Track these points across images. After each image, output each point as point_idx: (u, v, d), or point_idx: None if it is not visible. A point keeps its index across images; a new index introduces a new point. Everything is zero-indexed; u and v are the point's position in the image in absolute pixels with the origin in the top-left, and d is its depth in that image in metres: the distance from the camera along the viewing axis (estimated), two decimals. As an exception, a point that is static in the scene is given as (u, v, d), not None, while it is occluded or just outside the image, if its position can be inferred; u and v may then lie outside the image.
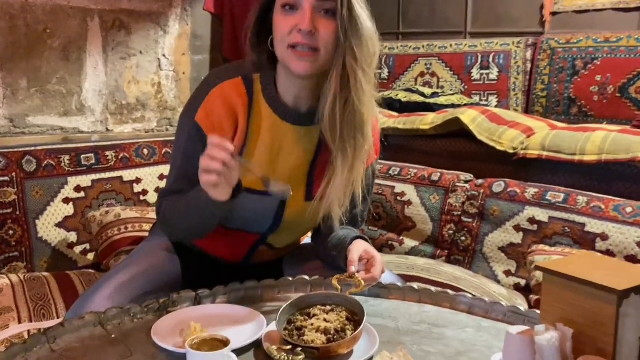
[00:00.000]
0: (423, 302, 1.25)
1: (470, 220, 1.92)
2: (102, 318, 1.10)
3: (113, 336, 1.07)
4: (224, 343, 0.90)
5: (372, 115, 1.22)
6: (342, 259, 1.22)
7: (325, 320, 1.03)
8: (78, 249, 1.82)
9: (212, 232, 1.33)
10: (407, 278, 1.42)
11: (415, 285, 1.28)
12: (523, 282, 1.75)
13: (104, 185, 1.88)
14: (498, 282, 1.77)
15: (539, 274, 1.58)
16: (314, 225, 1.37)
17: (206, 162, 1.02)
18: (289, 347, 0.95)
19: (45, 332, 1.02)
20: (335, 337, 0.99)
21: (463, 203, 1.96)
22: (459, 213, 1.96)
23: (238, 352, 0.99)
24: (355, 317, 1.05)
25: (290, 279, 1.30)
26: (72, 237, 1.83)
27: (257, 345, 1.02)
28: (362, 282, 1.12)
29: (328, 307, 1.08)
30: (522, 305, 1.56)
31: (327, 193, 1.22)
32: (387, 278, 1.29)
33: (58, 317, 1.40)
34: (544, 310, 0.91)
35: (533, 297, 1.54)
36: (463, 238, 1.92)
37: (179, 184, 1.23)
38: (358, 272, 1.14)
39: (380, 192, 2.14)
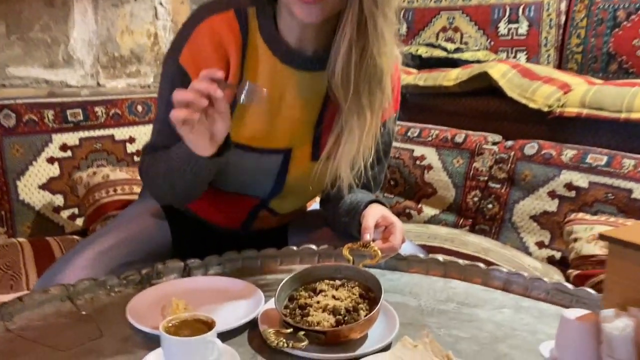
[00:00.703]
0: (449, 276, 1.07)
1: (498, 186, 1.73)
2: (71, 292, 0.94)
3: (83, 313, 0.91)
4: (208, 325, 0.73)
5: (393, 66, 1.03)
6: (355, 225, 1.04)
7: (334, 297, 0.86)
8: (65, 214, 1.67)
9: (205, 195, 1.15)
10: (428, 249, 1.24)
11: (440, 257, 1.10)
12: (558, 255, 1.56)
13: (93, 144, 1.71)
14: (529, 254, 1.58)
15: (578, 246, 1.39)
16: (322, 189, 1.18)
17: (181, 94, 0.83)
18: (290, 330, 0.78)
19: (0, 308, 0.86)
20: (346, 318, 0.81)
21: (490, 167, 1.76)
22: (486, 178, 1.77)
23: (229, 334, 0.82)
24: (370, 294, 0.87)
25: (295, 248, 1.12)
26: (58, 200, 1.67)
27: (252, 325, 0.85)
28: (379, 252, 0.93)
29: (338, 282, 0.90)
30: (561, 281, 1.37)
31: (337, 152, 1.04)
32: (407, 249, 1.11)
33: (28, 289, 1.25)
34: (610, 290, 0.73)
35: (572, 272, 1.36)
36: (490, 206, 1.73)
37: (162, 138, 1.05)
38: (374, 240, 0.95)
39: (397, 155, 1.95)
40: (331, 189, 1.09)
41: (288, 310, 0.85)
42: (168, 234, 1.18)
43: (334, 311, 0.82)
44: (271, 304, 0.86)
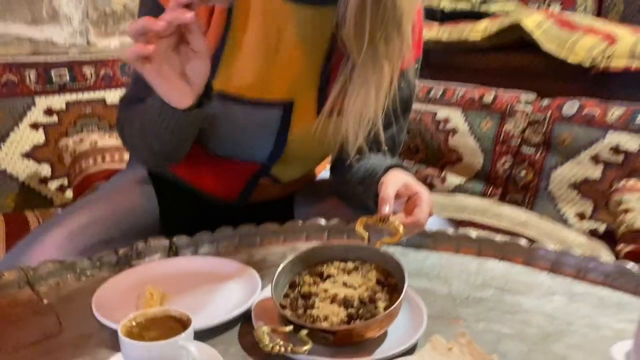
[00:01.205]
0: (485, 255, 0.89)
1: (532, 150, 1.54)
2: (31, 276, 0.79)
3: (45, 302, 0.76)
4: (183, 324, 0.57)
5: (415, 6, 0.85)
6: (372, 196, 0.87)
7: (345, 284, 0.69)
8: (53, 185, 1.52)
9: (197, 160, 0.99)
10: (456, 223, 1.07)
11: (472, 232, 0.93)
12: (602, 228, 1.38)
13: (82, 109, 1.55)
14: (569, 227, 1.40)
15: (630, 218, 1.20)
16: (332, 152, 1.01)
17: (135, 23, 0.65)
18: (289, 328, 0.62)
19: (-61, 298, 0.71)
20: (361, 311, 0.64)
21: (523, 130, 1.58)
22: (518, 142, 1.58)
23: (218, 330, 0.67)
24: (390, 280, 0.71)
25: (300, 222, 0.96)
26: (45, 170, 1.52)
27: (246, 317, 0.69)
28: (400, 228, 0.76)
29: (350, 265, 0.73)
30: (610, 256, 1.19)
31: (346, 107, 0.86)
32: (433, 223, 0.94)
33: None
34: None
35: (623, 248, 1.17)
36: (523, 173, 1.55)
37: (138, 88, 0.89)
38: (394, 213, 0.78)
39: (418, 118, 1.76)
40: (342, 152, 0.92)
41: (288, 300, 0.68)
42: (155, 209, 1.03)
43: (345, 303, 0.66)
44: (269, 291, 0.70)
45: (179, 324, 0.57)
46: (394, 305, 0.63)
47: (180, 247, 0.89)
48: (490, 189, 1.62)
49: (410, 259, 0.88)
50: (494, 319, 0.72)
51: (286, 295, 0.70)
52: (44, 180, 1.51)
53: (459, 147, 1.67)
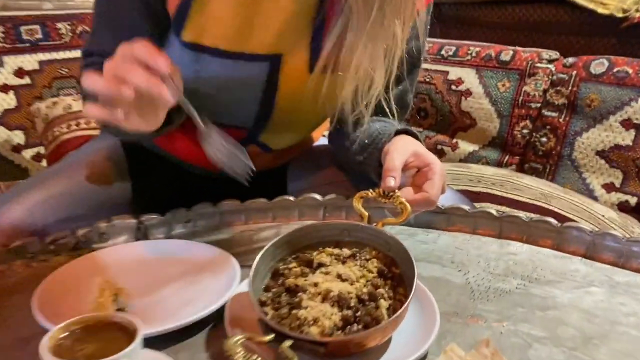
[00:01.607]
0: (507, 237, 0.76)
1: (555, 114, 1.39)
2: (-32, 264, 0.66)
3: (-16, 295, 0.63)
4: (130, 335, 0.44)
5: None
6: (374, 167, 0.74)
7: (339, 277, 0.56)
8: (28, 154, 1.40)
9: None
10: (471, 196, 0.95)
11: (492, 209, 0.79)
12: (633, 201, 1.24)
13: (57, 69, 1.41)
14: (594, 199, 1.26)
15: (668, 190, 1.06)
16: (328, 116, 0.87)
17: (93, 80, 0.52)
18: (270, 337, 0.49)
19: None
20: (360, 313, 0.52)
21: (545, 91, 1.43)
22: (539, 105, 1.43)
23: (182, 333, 0.55)
24: (395, 270, 0.58)
25: (292, 198, 0.82)
26: (18, 137, 1.39)
27: (219, 317, 0.57)
28: (408, 206, 0.63)
29: (346, 251, 0.60)
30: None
31: (343, 62, 0.72)
32: (446, 197, 0.80)
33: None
34: None
35: (660, 224, 1.04)
36: (544, 139, 1.40)
37: (101, 38, 0.77)
38: (400, 188, 0.64)
39: (427, 79, 1.61)
40: (340, 116, 0.78)
41: (270, 296, 0.56)
42: (127, 183, 0.90)
43: (340, 302, 0.53)
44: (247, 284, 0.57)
45: (125, 333, 0.45)
46: (401, 309, 0.50)
47: (151, 228, 0.77)
48: (507, 157, 1.48)
49: (418, 241, 0.75)
50: (521, 317, 0.59)
51: (267, 289, 0.57)
52: (17, 149, 1.38)
53: (473, 110, 1.53)
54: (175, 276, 0.65)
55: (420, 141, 0.72)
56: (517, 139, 1.46)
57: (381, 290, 0.55)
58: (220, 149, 0.69)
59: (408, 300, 0.51)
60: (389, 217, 0.63)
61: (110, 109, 0.53)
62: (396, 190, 0.63)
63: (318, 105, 0.78)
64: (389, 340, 0.53)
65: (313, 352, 0.48)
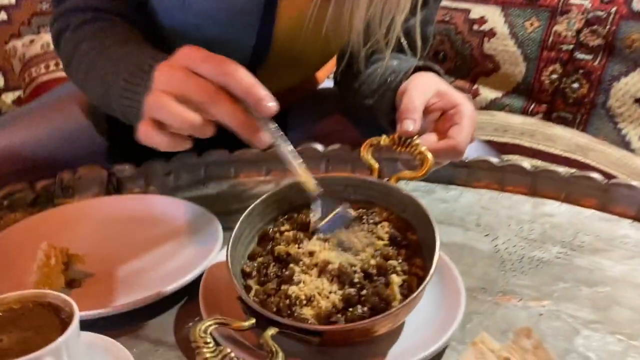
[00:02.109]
0: (542, 195, 0.65)
1: (589, 57, 1.25)
2: None
3: None
4: (63, 320, 0.34)
5: None
6: (387, 111, 0.62)
7: (341, 245, 0.45)
8: (8, 98, 1.29)
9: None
10: (498, 148, 0.83)
11: (525, 162, 0.67)
12: (675, 154, 1.11)
13: (36, 4, 1.27)
14: (631, 152, 1.14)
15: None
16: (334, 50, 0.75)
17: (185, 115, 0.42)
18: (250, 322, 0.39)
19: None
20: (366, 291, 0.41)
21: (578, 31, 1.28)
22: (571, 47, 1.29)
23: (150, 311, 0.45)
24: (410, 236, 0.47)
25: (290, 148, 0.70)
26: (-5, 79, 1.27)
27: (195, 291, 0.47)
28: (429, 156, 0.51)
29: (352, 213, 0.49)
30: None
31: None
32: (470, 148, 0.68)
33: None
34: None
35: None
36: (575, 85, 1.27)
37: None
38: (419, 135, 0.52)
39: (446, 18, 1.46)
40: (348, 51, 0.65)
41: (255, 266, 0.45)
42: (102, 130, 0.79)
43: (341, 277, 0.42)
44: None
45: (58, 317, 0.34)
46: (419, 289, 0.39)
47: (124, 181, 0.66)
48: (532, 105, 1.34)
49: (436, 200, 0.63)
50: (564, 295, 0.48)
51: (252, 257, 0.47)
52: (-4, 92, 1.27)
53: (497, 53, 1.38)
54: (148, 240, 0.54)
55: (443, 78, 0.60)
56: (544, 85, 1.32)
57: (393, 263, 0.44)
58: None
59: (429, 277, 0.40)
60: (405, 171, 0.51)
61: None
62: (415, 137, 0.51)
63: (322, 38, 0.65)
64: (401, 325, 0.42)
65: (304, 341, 0.38)
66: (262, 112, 0.42)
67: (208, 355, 0.35)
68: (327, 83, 0.90)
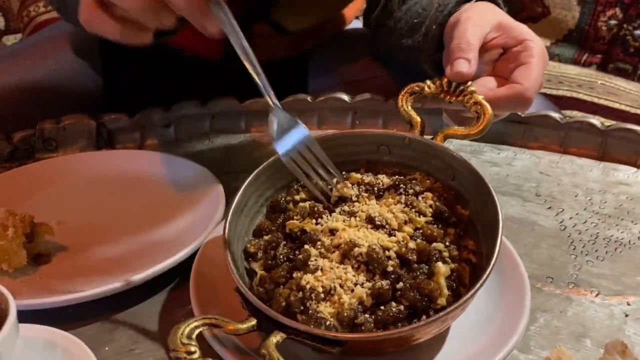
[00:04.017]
0: (612, 159, 0.54)
1: (656, -1, 1.09)
2: None
3: None
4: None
5: None
6: (431, 49, 0.50)
7: (372, 221, 0.35)
8: (9, 40, 1.21)
9: None
10: (552, 101, 0.71)
11: (594, 119, 0.56)
12: None
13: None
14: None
15: None
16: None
17: None
18: (250, 324, 0.29)
19: None
20: (402, 284, 0.31)
21: (645, -31, 1.11)
22: (635, -12, 1.13)
23: (134, 294, 0.36)
24: (462, 211, 0.37)
25: (309, 98, 0.60)
26: (-3, 20, 1.19)
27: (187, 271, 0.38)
28: (487, 107, 0.39)
29: (385, 179, 0.39)
30: None
31: None
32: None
33: None
34: None
35: None
36: (637, 32, 1.13)
37: None
38: (474, 80, 0.41)
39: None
40: None
41: (260, 245, 0.36)
42: (98, 74, 0.70)
43: (371, 263, 0.32)
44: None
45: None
46: (479, 284, 0.29)
47: (117, 134, 0.56)
48: (585, 55, 1.20)
49: (485, 163, 0.53)
50: (655, 289, 0.38)
51: (258, 232, 0.37)
52: (-4, 34, 1.19)
53: (547, -4, 1.24)
54: (135, 207, 0.45)
55: (503, 8, 0.48)
56: (601, 32, 1.18)
57: (439, 246, 0.34)
58: None
59: (490, 267, 0.30)
60: (455, 127, 0.40)
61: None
62: (469, 82, 0.40)
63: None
64: (447, 330, 0.33)
65: (320, 350, 0.29)
66: None
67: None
68: (356, 23, 0.78)
